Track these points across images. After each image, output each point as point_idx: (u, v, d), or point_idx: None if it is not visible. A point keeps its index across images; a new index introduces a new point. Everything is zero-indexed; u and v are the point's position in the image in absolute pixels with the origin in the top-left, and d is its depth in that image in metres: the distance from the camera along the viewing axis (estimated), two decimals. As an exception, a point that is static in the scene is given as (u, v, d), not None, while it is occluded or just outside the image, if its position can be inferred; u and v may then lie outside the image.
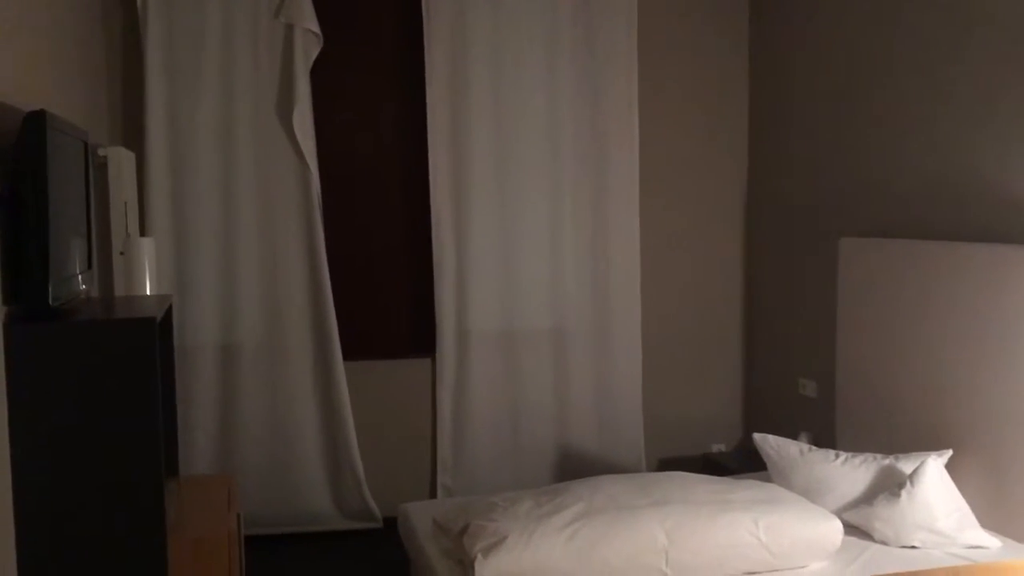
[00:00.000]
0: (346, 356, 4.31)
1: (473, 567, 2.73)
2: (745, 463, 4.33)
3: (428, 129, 4.35)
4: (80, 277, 2.42)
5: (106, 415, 2.05)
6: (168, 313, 2.63)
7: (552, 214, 4.50)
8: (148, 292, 3.13)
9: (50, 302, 2.01)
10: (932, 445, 3.30)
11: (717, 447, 4.84)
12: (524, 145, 4.44)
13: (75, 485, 2.03)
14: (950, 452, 3.20)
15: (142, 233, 3.93)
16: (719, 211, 4.80)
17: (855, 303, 3.79)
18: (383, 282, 4.56)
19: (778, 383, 4.60)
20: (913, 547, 3.02)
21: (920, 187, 3.61)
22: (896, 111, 3.73)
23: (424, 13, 4.29)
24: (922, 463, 3.09)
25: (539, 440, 4.55)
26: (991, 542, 3.00)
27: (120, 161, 3.47)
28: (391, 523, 3.88)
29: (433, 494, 4.50)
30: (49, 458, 2.02)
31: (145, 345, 2.06)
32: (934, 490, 3.03)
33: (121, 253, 3.23)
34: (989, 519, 3.10)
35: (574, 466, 4.51)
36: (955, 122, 3.42)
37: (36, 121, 2.02)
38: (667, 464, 4.74)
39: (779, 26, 4.54)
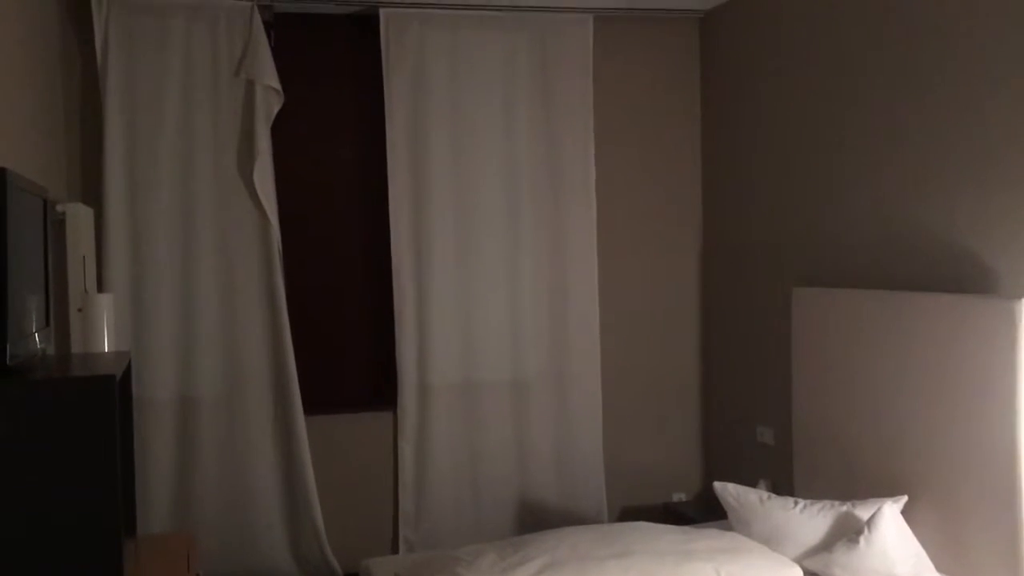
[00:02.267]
0: (306, 410, 4.28)
1: (436, 623, 2.71)
2: (706, 511, 4.35)
3: (388, 182, 4.39)
4: (37, 335, 2.40)
5: (64, 474, 2.02)
6: (127, 369, 2.61)
7: (511, 266, 4.54)
8: (106, 348, 3.10)
9: (7, 361, 1.99)
10: (888, 491, 3.35)
11: (678, 496, 4.87)
12: (483, 199, 4.49)
13: (31, 546, 2.00)
14: (905, 498, 3.25)
15: (100, 289, 3.90)
16: (675, 263, 4.88)
17: (809, 352, 3.86)
18: (344, 335, 4.56)
19: (736, 431, 4.65)
20: (872, 593, 3.06)
21: (871, 239, 3.71)
22: (846, 165, 3.85)
23: (384, 70, 4.36)
24: (878, 509, 3.14)
25: (501, 492, 4.54)
26: (947, 587, 3.04)
27: (78, 217, 3.46)
28: (352, 579, 3.84)
29: (395, 548, 4.46)
30: (4, 518, 1.98)
31: (104, 403, 2.04)
32: (891, 536, 3.08)
33: (79, 310, 3.21)
34: (944, 564, 3.14)
35: (536, 517, 4.50)
36: (904, 176, 3.53)
37: (-3, 180, 2.01)
38: (628, 513, 4.75)
39: (730, 81, 4.67)
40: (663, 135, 4.85)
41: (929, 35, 3.38)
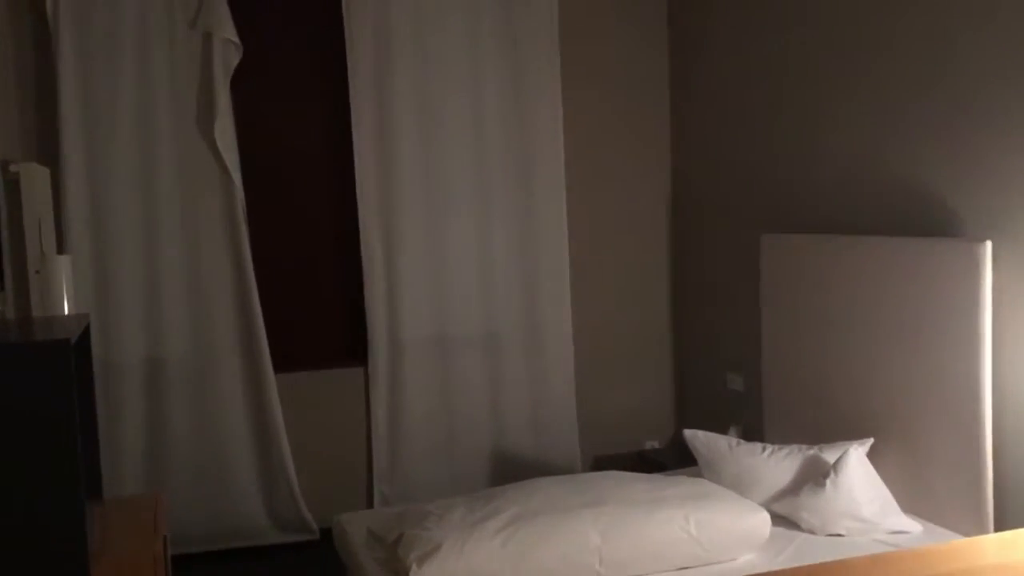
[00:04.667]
0: (277, 368, 4.27)
1: (408, 576, 2.73)
2: (679, 458, 4.39)
3: (353, 136, 4.32)
4: (-9, 299, 2.36)
5: (22, 440, 1.99)
6: (85, 332, 2.57)
7: (480, 219, 4.51)
8: (66, 311, 3.06)
9: (-42, 327, 1.96)
10: (855, 434, 3.40)
11: (651, 444, 4.91)
12: (450, 151, 4.44)
13: (-9, 514, 1.98)
14: (871, 440, 3.29)
15: (60, 250, 3.84)
16: (644, 211, 4.86)
17: (778, 298, 3.87)
18: (312, 292, 4.52)
19: (707, 379, 4.68)
20: (839, 535, 3.10)
21: (837, 184, 3.71)
22: (812, 110, 3.83)
23: (345, 19, 4.27)
24: (844, 452, 3.17)
25: (475, 444, 4.56)
26: (913, 527, 3.09)
27: (33, 177, 3.39)
28: (328, 534, 3.85)
29: (370, 503, 4.48)
30: (-38, 487, 1.96)
31: (60, 367, 2.01)
32: (857, 478, 3.12)
33: (37, 272, 3.15)
34: (910, 504, 3.19)
35: (511, 469, 4.53)
36: (870, 121, 3.52)
37: (-63, 141, 1.96)
38: (602, 462, 4.79)
39: (697, 26, 4.62)
40: (630, 83, 4.80)
41: (895, -24, 3.35)
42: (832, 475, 3.13)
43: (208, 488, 4.23)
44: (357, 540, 3.24)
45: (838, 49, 3.64)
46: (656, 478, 3.35)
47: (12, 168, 3.33)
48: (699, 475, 3.49)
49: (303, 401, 4.41)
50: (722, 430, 4.01)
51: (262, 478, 4.31)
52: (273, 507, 4.33)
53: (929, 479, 3.15)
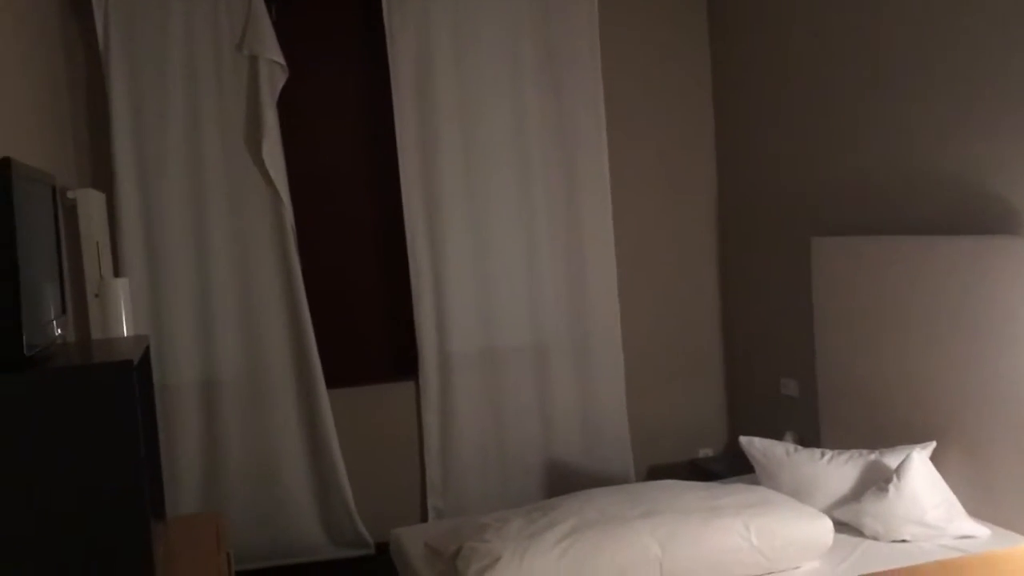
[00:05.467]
0: (329, 384, 4.30)
1: (467, 590, 2.72)
2: (733, 466, 4.34)
3: (398, 151, 4.35)
4: (55, 323, 2.40)
5: (88, 461, 2.02)
6: (146, 354, 2.61)
7: (526, 229, 4.51)
8: (125, 333, 3.11)
9: (24, 352, 1.99)
10: (915, 438, 3.33)
11: (704, 452, 4.86)
12: (494, 163, 4.45)
13: (58, 535, 2.01)
14: (934, 444, 3.23)
15: (116, 274, 3.91)
16: (692, 217, 4.83)
17: (830, 301, 3.82)
18: (362, 308, 4.56)
19: (760, 384, 4.62)
20: (904, 541, 3.04)
21: (888, 184, 3.65)
22: (863, 110, 3.78)
23: (388, 37, 4.31)
24: (907, 456, 3.12)
25: (527, 456, 4.55)
26: (980, 531, 3.02)
27: (90, 203, 3.45)
28: (384, 549, 3.86)
29: (424, 517, 4.49)
30: (31, 508, 1.99)
31: (123, 388, 2.04)
32: (920, 483, 3.06)
33: (96, 295, 3.21)
34: (977, 508, 3.12)
35: (564, 480, 4.51)
36: (922, 115, 3.46)
37: (1, 170, 2.00)
38: (655, 472, 4.75)
39: (741, 26, 4.58)
40: (673, 87, 4.78)
41: (942, -29, 3.30)
42: (895, 480, 3.08)
43: (264, 505, 4.27)
44: (414, 553, 3.25)
45: (889, 44, 3.59)
46: (713, 486, 3.31)
47: (69, 194, 3.40)
48: (756, 483, 3.44)
49: (355, 416, 4.44)
50: (777, 436, 3.97)
51: (317, 494, 4.34)
52: (329, 522, 4.35)
53: (994, 481, 3.08)
